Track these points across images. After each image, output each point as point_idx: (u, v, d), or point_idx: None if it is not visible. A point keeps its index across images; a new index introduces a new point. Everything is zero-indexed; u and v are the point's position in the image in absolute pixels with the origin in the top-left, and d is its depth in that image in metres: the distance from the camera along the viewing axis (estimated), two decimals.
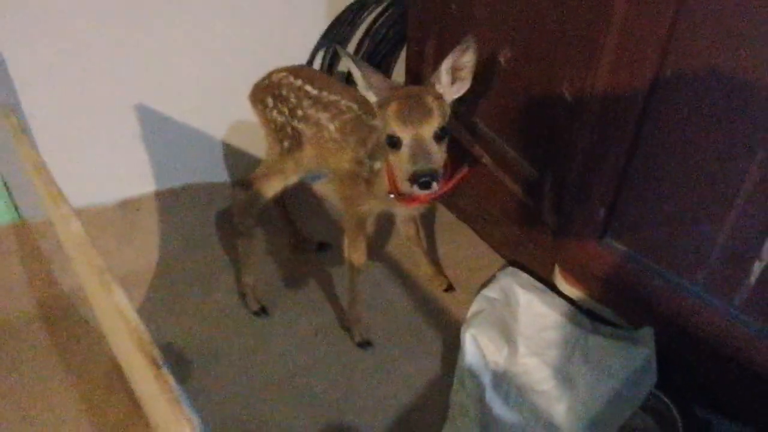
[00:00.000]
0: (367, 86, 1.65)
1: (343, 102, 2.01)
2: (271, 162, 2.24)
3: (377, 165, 1.89)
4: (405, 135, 1.56)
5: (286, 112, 2.09)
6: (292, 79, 2.09)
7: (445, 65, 1.61)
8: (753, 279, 1.60)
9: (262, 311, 2.37)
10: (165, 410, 1.02)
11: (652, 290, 1.85)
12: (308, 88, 2.06)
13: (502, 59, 2.14)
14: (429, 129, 1.56)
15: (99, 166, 2.43)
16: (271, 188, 2.25)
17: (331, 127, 2.01)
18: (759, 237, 1.55)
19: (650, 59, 1.58)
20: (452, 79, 1.64)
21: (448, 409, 2.03)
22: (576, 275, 2.16)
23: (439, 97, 1.62)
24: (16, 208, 2.37)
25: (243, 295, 2.41)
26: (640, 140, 1.71)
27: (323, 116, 2.03)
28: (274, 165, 2.22)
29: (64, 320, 2.33)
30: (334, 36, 2.69)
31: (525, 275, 2.34)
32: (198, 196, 2.73)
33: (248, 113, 2.73)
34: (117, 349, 1.78)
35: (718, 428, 1.88)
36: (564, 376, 2.06)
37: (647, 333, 1.96)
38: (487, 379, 2.06)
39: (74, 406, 2.06)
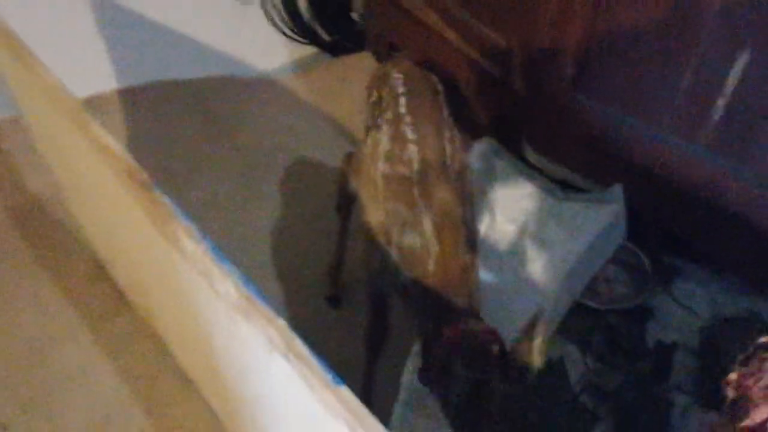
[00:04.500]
0: None
1: (410, 149, 1.58)
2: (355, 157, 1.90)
3: (407, 278, 1.48)
4: None
5: (377, 116, 1.72)
6: (400, 84, 1.72)
7: None
8: (716, 116, 1.66)
9: None
10: (158, 237, 1.03)
11: (622, 143, 1.91)
12: (401, 101, 1.68)
13: None
14: None
15: (56, 63, 2.34)
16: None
17: (380, 166, 1.61)
18: (721, 74, 1.61)
19: None
20: None
21: None
22: (546, 142, 2.21)
23: None
24: None
25: None
26: None
27: (384, 146, 1.63)
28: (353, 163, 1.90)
29: (37, 224, 2.29)
30: None
31: (500, 146, 2.37)
32: (163, 93, 2.67)
33: (214, 6, 2.67)
34: (94, 215, 1.76)
35: (685, 272, 1.99)
36: (539, 239, 2.13)
37: (616, 190, 2.03)
38: None
39: (58, 301, 2.07)
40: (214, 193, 2.44)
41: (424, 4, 2.43)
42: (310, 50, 3.02)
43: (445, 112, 1.72)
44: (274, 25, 2.85)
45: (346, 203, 1.97)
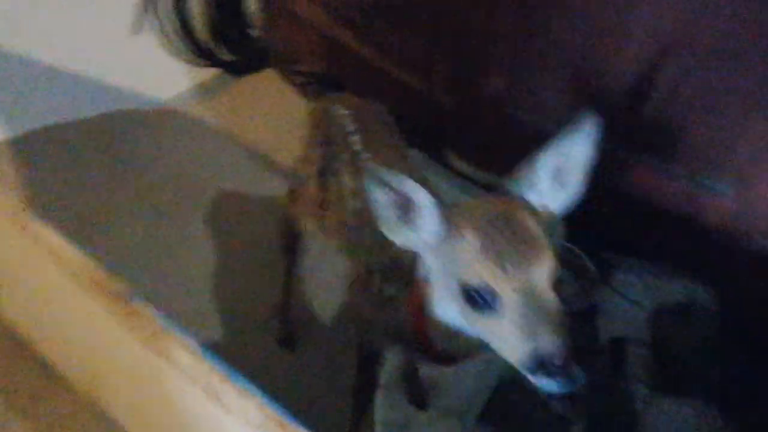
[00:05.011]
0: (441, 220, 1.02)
1: None
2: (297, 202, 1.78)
3: (390, 291, 1.32)
4: (506, 288, 0.95)
5: (330, 159, 1.59)
6: (348, 122, 1.58)
7: (546, 164, 1.05)
8: (648, 120, 1.73)
9: None
10: (141, 353, 0.93)
11: None
12: (355, 140, 1.54)
13: None
14: (544, 273, 0.96)
15: None
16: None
17: (349, 204, 1.49)
18: (649, 80, 1.67)
19: None
20: (556, 184, 1.08)
21: None
22: (475, 151, 2.22)
23: (537, 215, 1.05)
24: None
25: None
26: None
27: (348, 185, 1.51)
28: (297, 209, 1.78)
29: None
30: None
31: (423, 155, 2.35)
32: (59, 137, 2.44)
33: (102, 38, 2.44)
34: (31, 316, 1.60)
35: (620, 264, 2.07)
36: None
37: None
38: None
39: None
40: (133, 240, 2.27)
41: (330, 18, 2.36)
42: (211, 73, 2.87)
43: (401, 140, 1.65)
44: (170, 50, 2.67)
45: (293, 243, 1.89)
